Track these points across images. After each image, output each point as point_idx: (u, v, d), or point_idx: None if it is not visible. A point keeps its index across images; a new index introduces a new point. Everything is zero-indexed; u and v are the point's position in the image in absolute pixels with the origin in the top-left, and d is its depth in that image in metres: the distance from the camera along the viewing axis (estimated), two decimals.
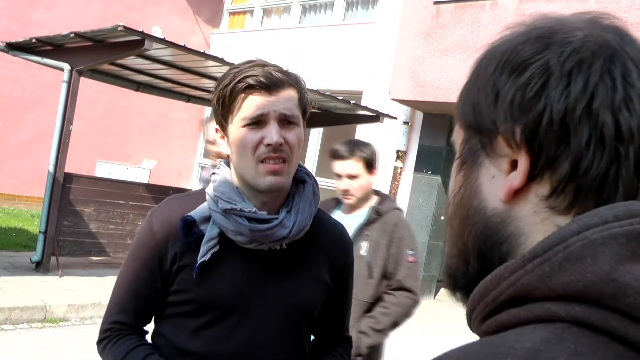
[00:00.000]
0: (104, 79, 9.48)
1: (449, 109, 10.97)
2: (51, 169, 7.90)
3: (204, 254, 1.68)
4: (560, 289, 0.61)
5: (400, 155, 12.11)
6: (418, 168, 11.84)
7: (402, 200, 12.00)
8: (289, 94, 1.70)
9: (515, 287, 0.64)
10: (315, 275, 1.83)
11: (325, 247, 1.88)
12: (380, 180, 12.52)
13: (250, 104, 1.65)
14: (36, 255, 7.95)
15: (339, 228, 2.01)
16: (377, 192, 3.57)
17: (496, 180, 0.75)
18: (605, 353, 0.56)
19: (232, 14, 17.33)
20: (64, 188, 8.11)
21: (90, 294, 7.17)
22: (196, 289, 1.70)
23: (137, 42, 6.87)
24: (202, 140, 17.19)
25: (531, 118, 0.71)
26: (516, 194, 0.73)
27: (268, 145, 1.64)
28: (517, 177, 0.72)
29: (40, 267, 7.88)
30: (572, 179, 0.69)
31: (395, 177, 12.08)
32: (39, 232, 8.01)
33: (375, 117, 9.88)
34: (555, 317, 0.61)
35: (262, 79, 1.64)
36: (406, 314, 3.36)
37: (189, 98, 10.74)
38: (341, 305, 1.99)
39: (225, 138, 1.74)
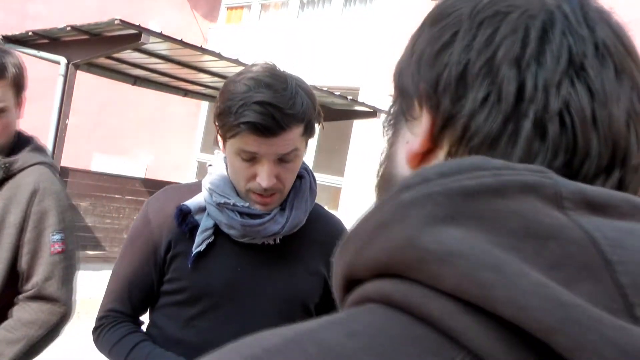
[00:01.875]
0: (101, 73, 9.45)
1: None
2: None
3: (199, 244, 1.68)
4: (371, 263, 0.52)
5: None
6: None
7: None
8: (292, 133, 1.63)
9: (343, 268, 0.56)
10: (310, 267, 1.82)
11: (321, 239, 1.87)
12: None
13: (247, 140, 1.59)
14: None
15: (334, 220, 2.01)
16: (21, 136, 2.40)
17: (409, 146, 0.66)
18: (399, 334, 0.46)
19: (229, 8, 17.28)
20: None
21: (86, 288, 7.15)
22: (190, 277, 1.70)
23: (134, 36, 6.84)
24: (201, 134, 17.18)
25: (434, 74, 0.65)
26: (423, 160, 0.64)
27: (259, 185, 1.63)
28: (416, 140, 0.64)
29: None
30: (463, 141, 0.60)
31: None
32: None
33: (372, 113, 9.87)
34: (366, 299, 0.52)
35: (264, 122, 1.54)
36: (48, 337, 2.15)
37: (186, 93, 10.72)
38: None
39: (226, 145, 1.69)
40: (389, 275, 0.50)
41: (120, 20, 6.47)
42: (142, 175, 14.51)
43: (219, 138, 1.70)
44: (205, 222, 1.70)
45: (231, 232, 1.70)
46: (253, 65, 1.72)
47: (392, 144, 0.71)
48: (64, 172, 8.19)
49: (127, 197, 9.00)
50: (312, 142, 14.59)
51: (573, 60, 0.58)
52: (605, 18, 0.62)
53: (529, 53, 0.59)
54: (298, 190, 1.80)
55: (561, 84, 0.57)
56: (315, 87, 8.73)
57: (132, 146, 15.94)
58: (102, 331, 1.78)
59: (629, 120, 0.58)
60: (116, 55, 8.02)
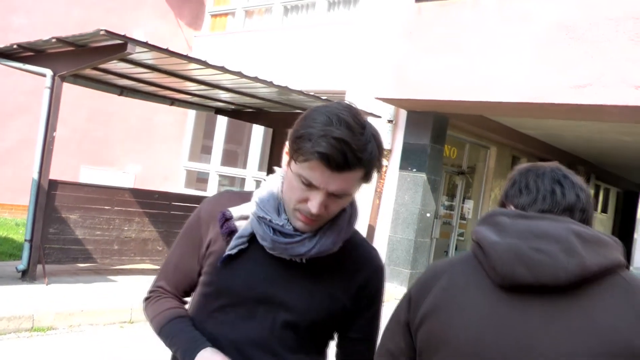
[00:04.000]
0: (87, 84, 9.44)
1: (433, 107, 11.00)
2: (35, 176, 7.84)
3: (232, 247, 1.88)
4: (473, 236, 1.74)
5: (385, 154, 12.11)
6: (403, 166, 11.87)
7: (389, 199, 12.03)
8: (354, 174, 1.73)
9: None
10: (329, 292, 1.93)
11: (352, 269, 1.98)
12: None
13: (312, 169, 1.69)
14: (22, 264, 7.87)
15: (371, 253, 2.08)
16: None
17: None
18: (466, 255, 1.75)
19: (213, 16, 17.29)
20: (48, 195, 8.05)
21: (78, 301, 7.13)
22: (218, 275, 1.90)
23: (119, 46, 6.83)
24: (188, 143, 17.16)
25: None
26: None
27: (309, 209, 1.76)
28: None
29: (27, 275, 7.81)
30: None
31: (381, 175, 12.10)
32: (25, 240, 7.94)
33: None
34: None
35: (336, 157, 1.65)
36: None
37: (172, 101, 10.71)
38: (366, 331, 2.04)
39: (289, 165, 1.77)
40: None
41: (106, 31, 6.47)
42: (130, 186, 14.48)
43: (285, 156, 1.79)
44: (243, 230, 1.90)
45: (263, 243, 1.85)
46: (339, 102, 1.79)
47: None
48: (52, 185, 8.16)
49: (116, 208, 8.97)
50: None
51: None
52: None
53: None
54: (335, 221, 1.88)
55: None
56: (301, 92, 8.75)
57: (119, 157, 15.90)
58: (151, 301, 2.06)
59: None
60: (102, 65, 8.01)
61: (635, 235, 26.63)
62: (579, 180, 1.67)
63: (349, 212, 1.92)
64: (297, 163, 1.71)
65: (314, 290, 1.91)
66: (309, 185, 1.72)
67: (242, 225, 1.90)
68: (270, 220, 1.82)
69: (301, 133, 1.69)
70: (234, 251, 1.87)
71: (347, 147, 1.65)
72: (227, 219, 1.91)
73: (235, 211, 1.93)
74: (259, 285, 1.88)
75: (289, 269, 1.88)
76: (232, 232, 1.90)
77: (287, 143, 1.78)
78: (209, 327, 1.91)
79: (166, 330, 1.97)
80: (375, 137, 1.76)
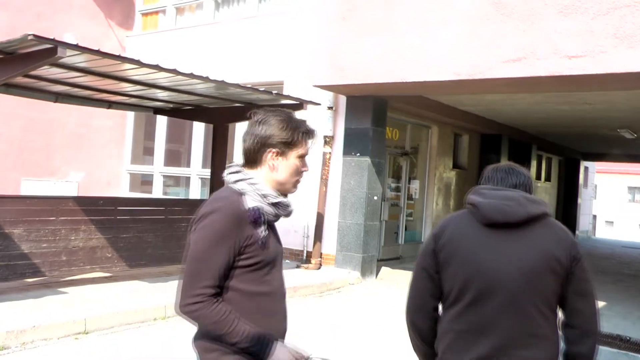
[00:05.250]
0: (20, 93, 9.21)
1: (371, 90, 11.05)
2: None
3: (264, 230, 2.61)
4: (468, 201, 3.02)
5: (328, 141, 12.16)
6: (347, 151, 11.92)
7: (335, 185, 12.07)
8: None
9: None
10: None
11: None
12: (310, 167, 12.54)
13: (305, 146, 2.75)
14: None
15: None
16: None
17: None
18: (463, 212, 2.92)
19: (144, 14, 17.05)
20: None
21: (28, 317, 6.97)
22: (262, 252, 2.60)
23: (49, 51, 6.64)
24: (130, 145, 16.93)
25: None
26: None
27: (304, 171, 2.83)
28: None
29: None
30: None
31: (325, 162, 12.13)
32: None
33: (299, 105, 9.86)
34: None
35: (312, 134, 2.80)
36: None
37: (110, 104, 10.53)
38: None
39: (281, 160, 2.70)
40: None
41: (34, 35, 6.27)
42: (74, 194, 14.24)
43: (277, 159, 2.68)
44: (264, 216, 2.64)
45: (270, 217, 2.67)
46: (289, 111, 2.88)
47: None
48: None
49: (61, 218, 8.79)
50: (241, 142, 14.62)
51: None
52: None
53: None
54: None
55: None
56: (238, 85, 8.69)
57: (61, 166, 15.59)
58: (206, 305, 2.48)
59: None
60: (34, 72, 7.79)
61: (579, 200, 27.38)
62: (521, 170, 2.87)
63: None
64: (295, 149, 2.70)
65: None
66: (302, 157, 2.75)
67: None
68: (279, 201, 2.69)
69: (291, 134, 2.68)
70: (266, 232, 2.61)
71: (310, 126, 2.81)
72: (261, 212, 2.59)
73: (257, 205, 2.61)
74: (278, 246, 2.77)
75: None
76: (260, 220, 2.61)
77: (273, 150, 2.66)
78: (264, 288, 2.64)
79: (238, 328, 2.50)
80: None
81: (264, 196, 2.63)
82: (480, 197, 2.72)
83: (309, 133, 2.75)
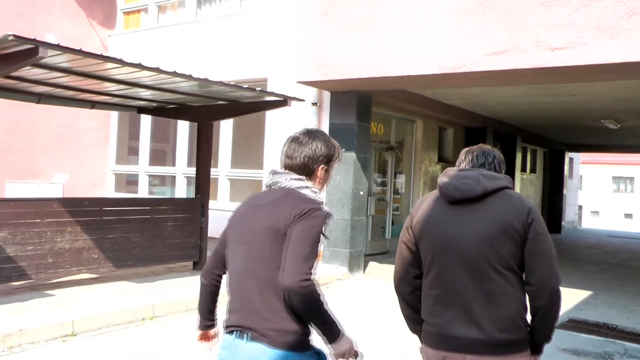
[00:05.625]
0: (2, 95, 9.12)
1: (355, 86, 11.05)
2: None
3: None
4: None
5: None
6: None
7: None
8: None
9: None
10: None
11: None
12: None
13: (338, 159, 3.27)
14: None
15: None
16: None
17: None
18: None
19: (126, 13, 16.97)
20: None
21: (15, 321, 6.92)
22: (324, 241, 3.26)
23: (30, 51, 6.56)
24: (114, 145, 16.86)
25: None
26: None
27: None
28: None
29: None
30: None
31: None
32: None
33: (283, 101, 9.83)
34: None
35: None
36: None
37: (93, 104, 10.45)
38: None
39: (325, 173, 3.20)
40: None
41: (14, 36, 6.20)
42: (60, 196, 14.16)
43: (323, 172, 3.19)
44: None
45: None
46: (322, 130, 3.38)
47: None
48: None
49: (46, 220, 8.73)
50: (228, 139, 14.55)
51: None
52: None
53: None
54: None
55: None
56: (222, 83, 8.66)
57: (45, 167, 15.50)
58: (313, 283, 2.77)
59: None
60: (15, 73, 7.72)
61: (565, 191, 27.51)
62: (489, 149, 3.27)
63: None
64: (332, 163, 3.21)
65: None
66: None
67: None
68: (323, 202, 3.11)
69: (334, 151, 3.19)
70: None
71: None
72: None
73: (329, 211, 3.10)
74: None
75: None
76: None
77: (323, 165, 3.15)
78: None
79: (327, 311, 2.86)
80: None
81: (322, 203, 3.06)
82: (445, 178, 3.11)
83: (339, 147, 3.27)
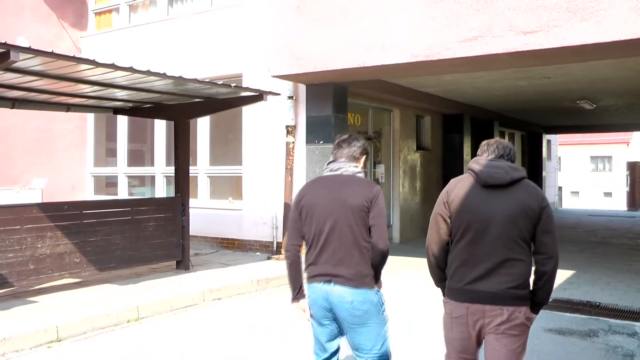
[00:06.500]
0: None
1: (330, 77, 11.04)
2: None
3: None
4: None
5: (290, 130, 12.15)
6: (310, 139, 11.91)
7: (300, 174, 12.06)
8: None
9: None
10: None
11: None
12: (274, 158, 12.53)
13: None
14: None
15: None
16: None
17: None
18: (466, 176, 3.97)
19: (97, 14, 16.83)
20: None
21: None
22: None
23: (2, 55, 6.48)
24: (92, 148, 16.73)
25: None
26: None
27: None
28: None
29: None
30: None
31: (289, 152, 12.12)
32: None
33: (259, 96, 9.82)
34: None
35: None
36: None
37: (68, 107, 10.37)
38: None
39: (365, 160, 4.36)
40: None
41: None
42: (39, 201, 14.05)
43: (364, 160, 4.33)
44: None
45: None
46: (355, 134, 4.47)
47: None
48: None
49: (26, 226, 8.65)
50: (205, 136, 14.46)
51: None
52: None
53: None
54: None
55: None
56: (196, 80, 8.63)
57: (23, 173, 15.36)
58: None
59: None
60: None
61: (544, 173, 27.69)
62: (507, 144, 3.95)
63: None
64: (367, 154, 4.32)
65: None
66: None
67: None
68: None
69: (366, 145, 4.33)
70: None
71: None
72: None
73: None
74: None
75: None
76: None
77: (365, 155, 4.31)
78: None
79: None
80: None
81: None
82: (478, 166, 3.81)
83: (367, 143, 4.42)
